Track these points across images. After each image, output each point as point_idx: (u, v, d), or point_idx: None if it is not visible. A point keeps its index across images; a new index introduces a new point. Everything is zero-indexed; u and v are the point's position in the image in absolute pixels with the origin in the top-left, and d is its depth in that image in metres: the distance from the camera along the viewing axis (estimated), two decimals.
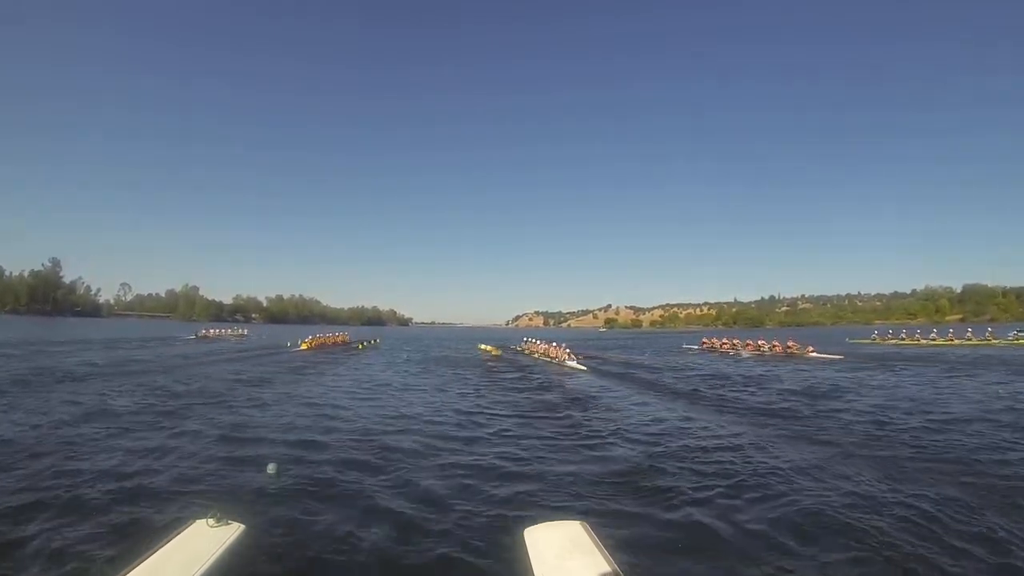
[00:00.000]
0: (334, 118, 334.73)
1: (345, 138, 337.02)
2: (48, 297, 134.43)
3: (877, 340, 41.20)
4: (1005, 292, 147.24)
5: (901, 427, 8.73)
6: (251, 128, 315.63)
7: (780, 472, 6.13)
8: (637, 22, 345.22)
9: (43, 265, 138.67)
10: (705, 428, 8.85)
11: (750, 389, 14.37)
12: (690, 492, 5.51)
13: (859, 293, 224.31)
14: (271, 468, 5.64)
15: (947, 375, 17.24)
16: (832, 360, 24.79)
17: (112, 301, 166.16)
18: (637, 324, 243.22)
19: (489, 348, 32.00)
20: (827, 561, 3.96)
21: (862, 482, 5.75)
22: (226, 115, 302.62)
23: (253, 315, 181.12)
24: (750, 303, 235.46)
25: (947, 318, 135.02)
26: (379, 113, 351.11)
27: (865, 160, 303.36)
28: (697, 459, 6.78)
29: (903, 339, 40.44)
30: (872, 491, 5.39)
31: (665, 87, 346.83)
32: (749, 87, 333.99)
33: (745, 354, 29.82)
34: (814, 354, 26.66)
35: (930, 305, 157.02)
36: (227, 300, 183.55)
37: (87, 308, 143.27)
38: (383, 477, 5.94)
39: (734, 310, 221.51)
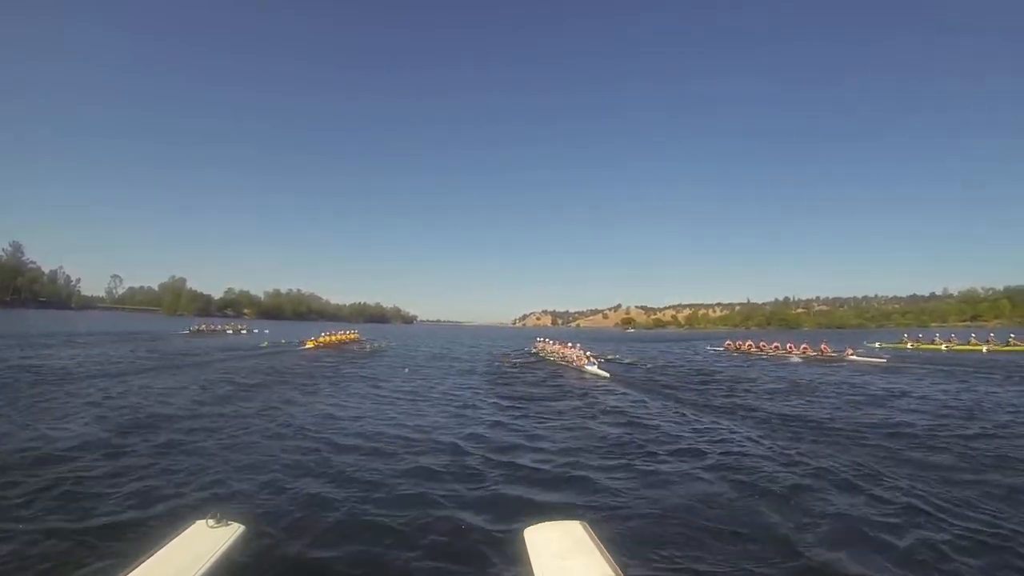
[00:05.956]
0: (338, 117, 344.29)
1: (350, 136, 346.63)
2: (8, 286, 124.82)
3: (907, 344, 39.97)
4: None
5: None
6: (251, 125, 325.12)
7: (787, 476, 6.36)
8: (650, 22, 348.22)
9: (2, 250, 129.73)
10: (716, 431, 9.11)
11: (764, 392, 14.72)
12: (692, 493, 5.80)
13: (876, 295, 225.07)
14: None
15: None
16: (875, 363, 25.06)
17: (103, 294, 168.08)
18: (660, 324, 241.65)
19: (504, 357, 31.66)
20: (828, 564, 4.18)
21: (868, 487, 5.93)
22: (227, 113, 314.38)
23: (244, 310, 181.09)
24: (764, 304, 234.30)
25: None
26: (383, 112, 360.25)
27: (875, 161, 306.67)
28: (702, 461, 7.06)
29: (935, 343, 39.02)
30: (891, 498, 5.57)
31: (672, 88, 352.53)
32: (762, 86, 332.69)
33: (773, 356, 29.89)
34: (853, 356, 26.83)
35: (994, 307, 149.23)
36: (219, 294, 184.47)
37: (53, 299, 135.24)
38: (384, 477, 6.23)
39: (768, 310, 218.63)
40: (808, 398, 13.59)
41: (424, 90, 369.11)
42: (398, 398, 13.06)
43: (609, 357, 27.22)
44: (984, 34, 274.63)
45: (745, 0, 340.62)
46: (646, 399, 13.54)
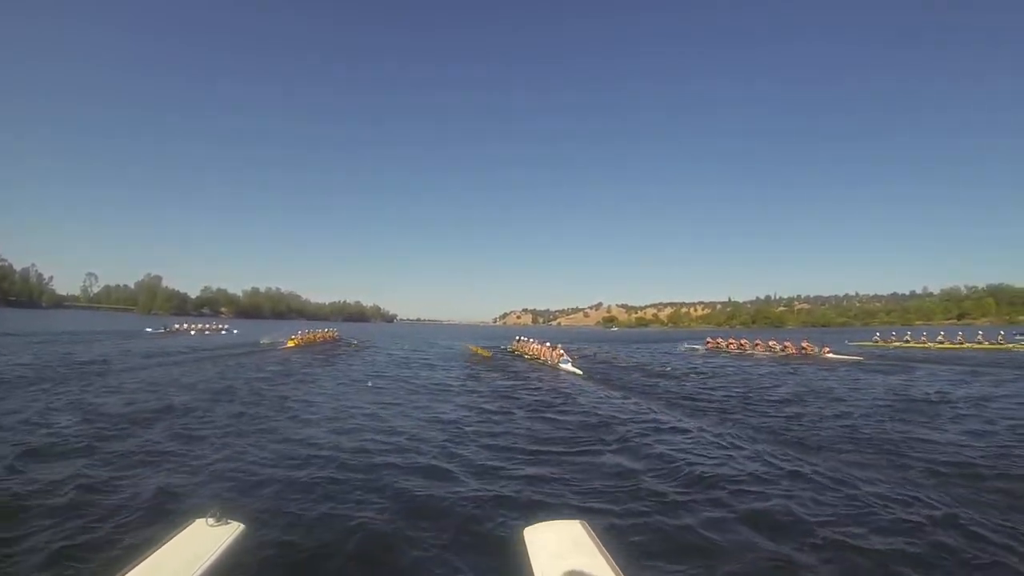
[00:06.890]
0: (327, 115, 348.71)
1: (337, 135, 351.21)
2: None
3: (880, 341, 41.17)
4: None
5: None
6: (235, 123, 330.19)
7: (783, 477, 6.51)
8: (634, 23, 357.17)
9: None
10: (705, 432, 9.22)
11: (747, 388, 15.12)
12: (690, 494, 5.90)
13: (857, 294, 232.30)
14: None
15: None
16: (852, 360, 25.71)
17: (78, 292, 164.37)
18: (642, 323, 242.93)
19: (478, 349, 32.05)
20: (827, 564, 4.30)
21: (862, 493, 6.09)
22: (211, 111, 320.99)
23: (222, 309, 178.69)
24: (746, 303, 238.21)
25: None
26: (365, 109, 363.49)
27: (858, 161, 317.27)
28: (697, 462, 7.16)
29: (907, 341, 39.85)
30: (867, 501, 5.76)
31: (672, 88, 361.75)
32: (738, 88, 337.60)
33: (754, 354, 30.41)
34: (831, 355, 27.37)
35: (980, 305, 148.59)
36: (195, 292, 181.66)
37: (24, 298, 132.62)
38: (383, 477, 6.29)
39: (751, 309, 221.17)
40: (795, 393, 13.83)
41: (421, 89, 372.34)
42: (384, 395, 13.13)
43: (585, 354, 27.52)
44: (982, 34, 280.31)
45: (745, 0, 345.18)
46: (623, 396, 13.86)
